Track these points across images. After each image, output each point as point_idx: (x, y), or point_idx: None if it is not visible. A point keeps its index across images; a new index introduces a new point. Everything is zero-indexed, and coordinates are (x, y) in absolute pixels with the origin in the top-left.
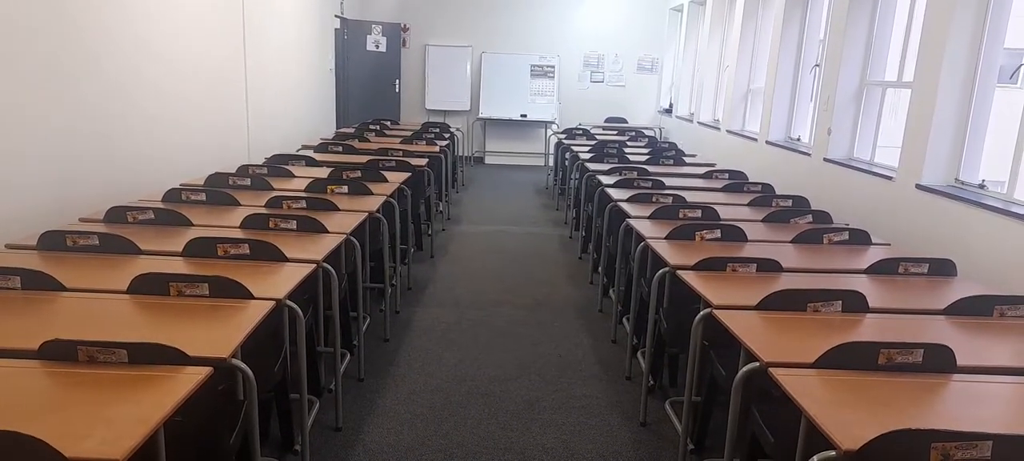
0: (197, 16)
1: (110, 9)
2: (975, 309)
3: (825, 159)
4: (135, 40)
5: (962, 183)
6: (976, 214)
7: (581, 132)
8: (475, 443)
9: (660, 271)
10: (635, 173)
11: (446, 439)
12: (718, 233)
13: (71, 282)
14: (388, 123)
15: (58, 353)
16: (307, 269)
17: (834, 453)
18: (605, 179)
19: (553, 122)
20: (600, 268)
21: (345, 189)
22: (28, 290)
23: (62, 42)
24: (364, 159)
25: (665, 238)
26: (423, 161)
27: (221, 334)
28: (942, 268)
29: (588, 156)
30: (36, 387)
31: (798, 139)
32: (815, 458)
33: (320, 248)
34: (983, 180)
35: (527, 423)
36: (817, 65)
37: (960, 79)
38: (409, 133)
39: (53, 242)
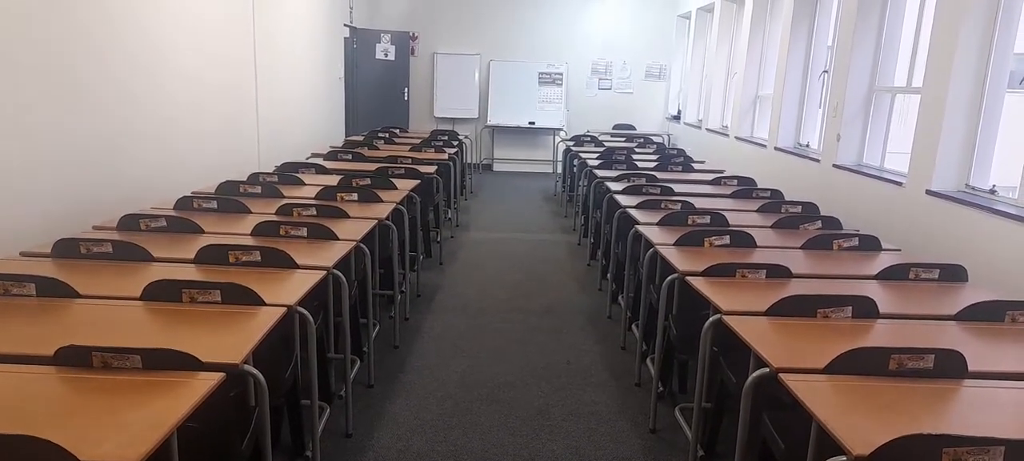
0: (208, 26)
1: (122, 20)
2: (986, 314)
3: (834, 165)
4: (148, 50)
5: (972, 189)
6: (987, 219)
7: (589, 139)
8: (484, 449)
9: (669, 277)
10: (643, 180)
11: (455, 445)
12: (727, 239)
13: (85, 289)
14: (397, 131)
15: (73, 359)
16: (317, 276)
17: (845, 459)
18: (613, 186)
19: (561, 129)
20: (609, 274)
21: (355, 196)
22: (43, 297)
23: (75, 53)
24: (373, 167)
25: (674, 244)
26: (432, 168)
27: (233, 340)
28: (953, 274)
29: (596, 163)
30: (51, 392)
31: (807, 145)
32: None
33: (330, 255)
34: (994, 185)
35: (536, 430)
36: (826, 71)
37: (970, 84)
38: (418, 141)
39: (67, 250)
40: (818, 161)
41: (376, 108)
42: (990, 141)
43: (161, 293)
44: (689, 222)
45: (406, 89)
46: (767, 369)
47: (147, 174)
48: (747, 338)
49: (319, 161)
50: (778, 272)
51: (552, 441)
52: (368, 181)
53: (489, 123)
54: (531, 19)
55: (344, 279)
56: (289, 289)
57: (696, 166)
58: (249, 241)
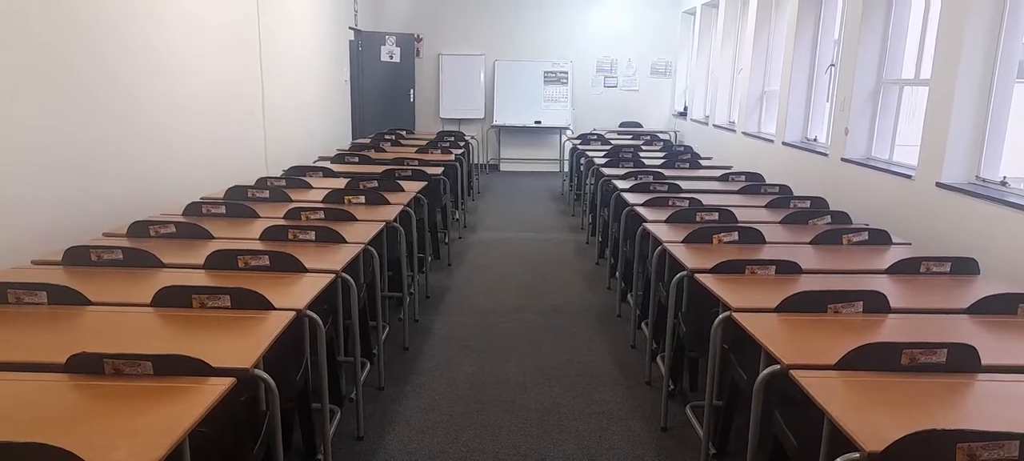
0: (214, 30)
1: (130, 25)
2: (999, 307)
3: (843, 159)
4: (155, 55)
5: (983, 180)
6: (998, 211)
7: (596, 137)
8: (495, 450)
9: (678, 275)
10: (651, 177)
11: (466, 447)
12: (736, 235)
13: (96, 296)
14: (403, 133)
15: (85, 366)
16: (326, 279)
17: (858, 455)
18: (621, 184)
19: (567, 128)
20: (618, 273)
21: (362, 199)
22: (54, 305)
23: (81, 60)
24: (380, 169)
25: (682, 241)
26: (439, 170)
27: (243, 345)
28: (964, 267)
29: (603, 161)
30: (64, 400)
31: (815, 140)
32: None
33: (339, 258)
34: (1004, 177)
35: (547, 430)
36: (832, 65)
37: (978, 75)
38: (424, 142)
39: (78, 257)
40: (826, 155)
41: (382, 110)
42: (1000, 132)
43: (171, 299)
44: (697, 219)
45: (412, 91)
46: (778, 366)
47: (156, 180)
48: (757, 335)
49: (326, 164)
50: (788, 268)
51: (563, 441)
52: (375, 183)
53: (495, 123)
54: (535, 19)
55: (353, 282)
56: (298, 293)
57: (703, 163)
58: (258, 246)
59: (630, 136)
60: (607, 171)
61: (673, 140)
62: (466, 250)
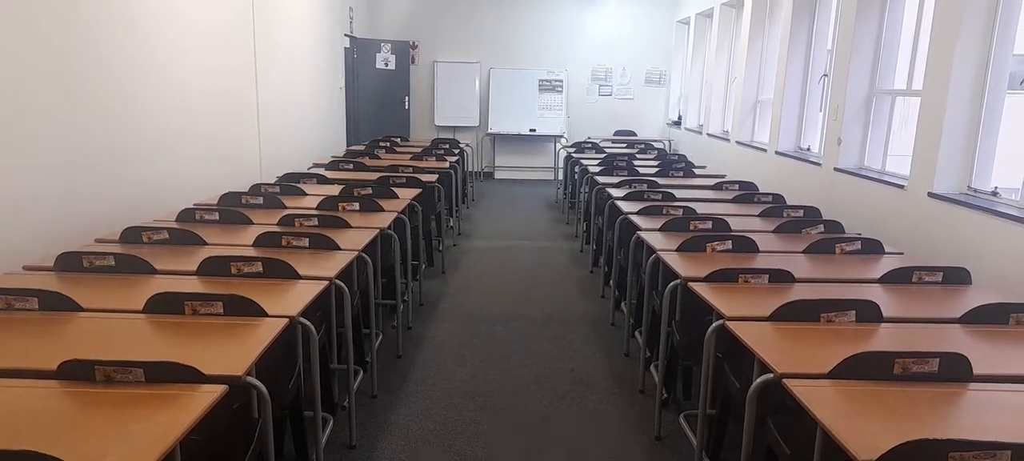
0: (209, 37)
1: (125, 30)
2: (991, 317)
3: (836, 169)
4: (149, 62)
5: (975, 191)
6: (990, 221)
7: (590, 145)
8: (488, 458)
9: (672, 283)
10: (645, 185)
11: (459, 455)
12: (729, 244)
13: (88, 302)
14: (398, 140)
15: (76, 373)
16: (320, 286)
17: None
18: (615, 192)
19: (562, 136)
20: (611, 281)
21: (356, 206)
22: (46, 311)
23: (78, 67)
24: (375, 176)
25: (676, 250)
26: (433, 177)
27: (236, 352)
28: (956, 276)
29: (597, 169)
30: (54, 407)
31: (808, 149)
32: None
33: (332, 265)
34: (996, 187)
35: (540, 438)
36: (825, 75)
37: (970, 86)
38: (419, 149)
39: (70, 263)
40: (819, 165)
41: (377, 117)
42: (991, 143)
43: (163, 306)
44: (691, 228)
45: (407, 98)
46: (771, 375)
47: (149, 186)
48: (750, 344)
49: (320, 171)
50: (781, 277)
51: (556, 450)
52: (369, 190)
53: (490, 131)
54: (531, 26)
55: (346, 289)
56: (291, 300)
57: (697, 171)
58: (251, 252)
59: (624, 144)
60: (601, 179)
61: (667, 149)
62: (460, 258)
